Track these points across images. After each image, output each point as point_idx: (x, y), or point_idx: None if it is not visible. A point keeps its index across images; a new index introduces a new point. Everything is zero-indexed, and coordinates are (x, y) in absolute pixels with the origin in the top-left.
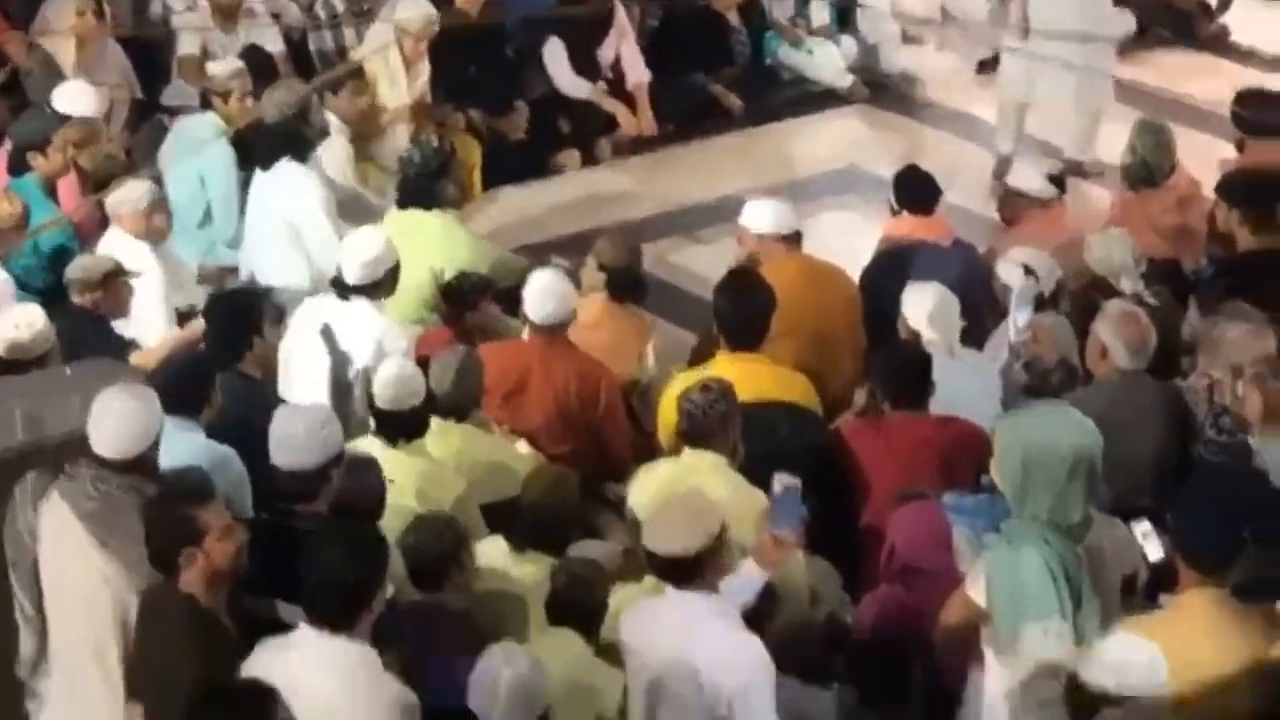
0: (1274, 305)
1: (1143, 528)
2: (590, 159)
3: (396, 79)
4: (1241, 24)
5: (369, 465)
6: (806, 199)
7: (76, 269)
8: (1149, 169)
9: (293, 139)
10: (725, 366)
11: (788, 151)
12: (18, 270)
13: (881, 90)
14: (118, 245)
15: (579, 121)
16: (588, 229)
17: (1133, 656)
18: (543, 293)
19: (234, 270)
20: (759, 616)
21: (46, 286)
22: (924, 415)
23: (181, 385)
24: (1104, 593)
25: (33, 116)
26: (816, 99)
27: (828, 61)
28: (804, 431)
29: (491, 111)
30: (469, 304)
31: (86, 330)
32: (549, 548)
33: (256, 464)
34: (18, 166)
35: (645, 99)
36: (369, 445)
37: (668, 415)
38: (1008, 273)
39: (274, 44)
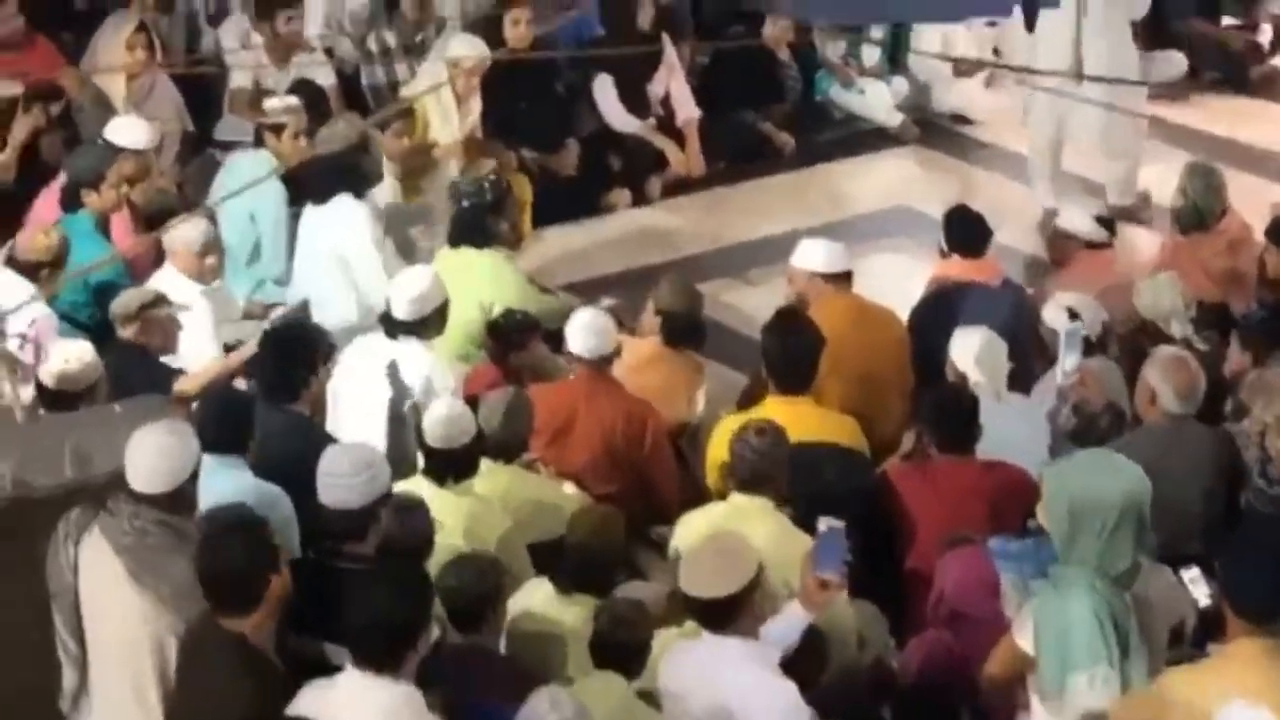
0: None
1: (1190, 574)
2: (640, 197)
3: (448, 115)
4: None
5: (418, 507)
6: (857, 239)
7: (117, 303)
8: (1200, 212)
9: (351, 174)
10: (774, 409)
11: (838, 191)
12: (64, 305)
13: (932, 130)
14: (169, 282)
15: (629, 160)
16: (637, 267)
17: None
18: (585, 328)
19: (282, 307)
20: (803, 658)
21: (94, 323)
22: (971, 459)
23: (225, 422)
24: (1151, 641)
25: (86, 152)
26: (867, 138)
27: (878, 101)
28: (851, 474)
29: (542, 149)
30: (515, 343)
31: (131, 364)
32: (594, 589)
33: (306, 503)
34: (72, 203)
35: (694, 136)
36: (417, 485)
37: (716, 457)
38: (1053, 316)
39: (326, 78)
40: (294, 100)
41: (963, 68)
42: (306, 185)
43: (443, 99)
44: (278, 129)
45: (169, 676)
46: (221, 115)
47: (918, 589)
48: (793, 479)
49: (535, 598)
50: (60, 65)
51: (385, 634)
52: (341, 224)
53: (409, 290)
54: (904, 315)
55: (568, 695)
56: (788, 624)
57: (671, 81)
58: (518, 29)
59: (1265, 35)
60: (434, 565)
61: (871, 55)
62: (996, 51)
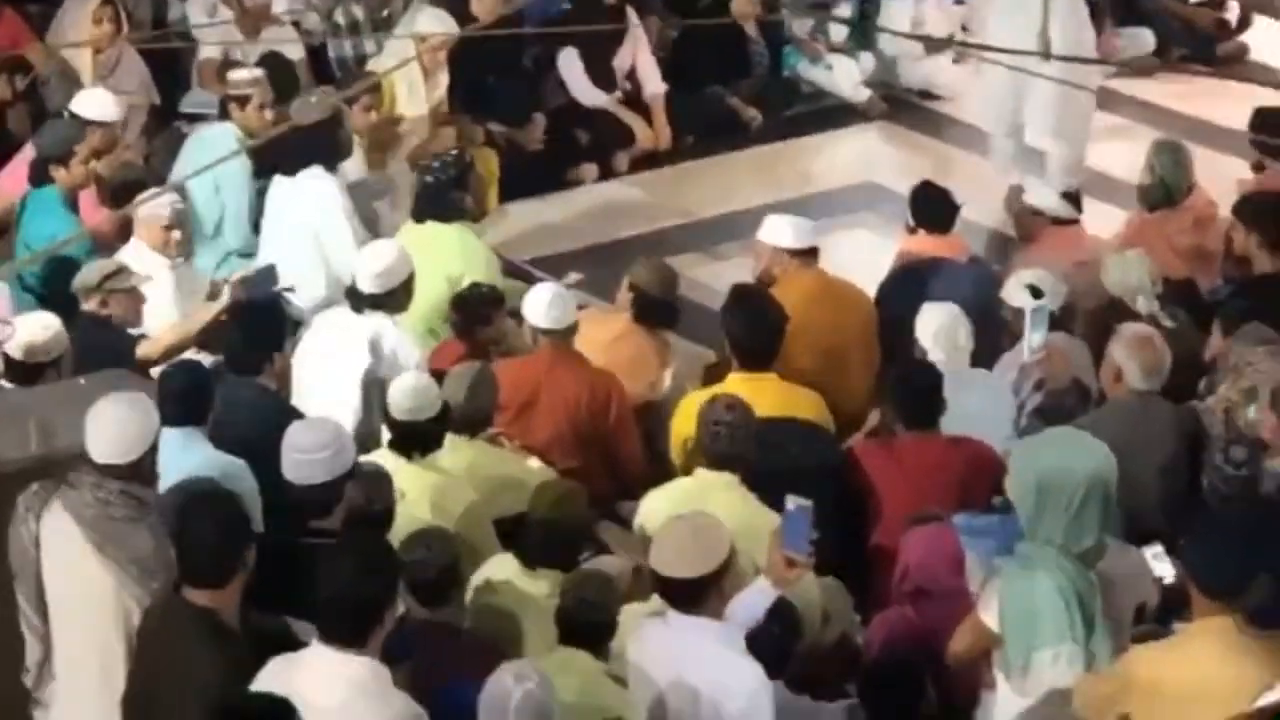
0: None
1: (1154, 550)
2: (607, 172)
3: (415, 89)
4: (1260, 44)
5: (380, 475)
6: (824, 214)
7: (80, 275)
8: (1167, 189)
9: (324, 146)
10: (737, 385)
11: (805, 166)
12: (31, 279)
13: (899, 105)
14: (134, 256)
15: (597, 134)
16: (604, 242)
17: None
18: (544, 301)
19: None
20: (773, 629)
21: (52, 293)
22: (936, 436)
23: (185, 396)
24: (1116, 619)
25: (54, 127)
26: (834, 114)
27: (846, 76)
28: (815, 449)
29: (509, 123)
30: (481, 317)
31: (95, 336)
32: (559, 563)
33: (270, 477)
34: (40, 177)
35: (661, 110)
36: (382, 458)
37: (681, 433)
38: (1013, 292)
39: (294, 51)
40: (258, 71)
41: (930, 47)
42: (279, 156)
43: (410, 73)
44: (242, 100)
45: (132, 645)
46: (188, 88)
47: (883, 565)
48: (757, 455)
49: (499, 572)
50: (26, 38)
51: (352, 609)
52: (312, 196)
53: (375, 264)
54: (870, 291)
55: (532, 668)
56: (754, 601)
57: (637, 55)
58: (484, 3)
59: (1232, 12)
60: (398, 539)
61: (839, 30)
62: (964, 28)
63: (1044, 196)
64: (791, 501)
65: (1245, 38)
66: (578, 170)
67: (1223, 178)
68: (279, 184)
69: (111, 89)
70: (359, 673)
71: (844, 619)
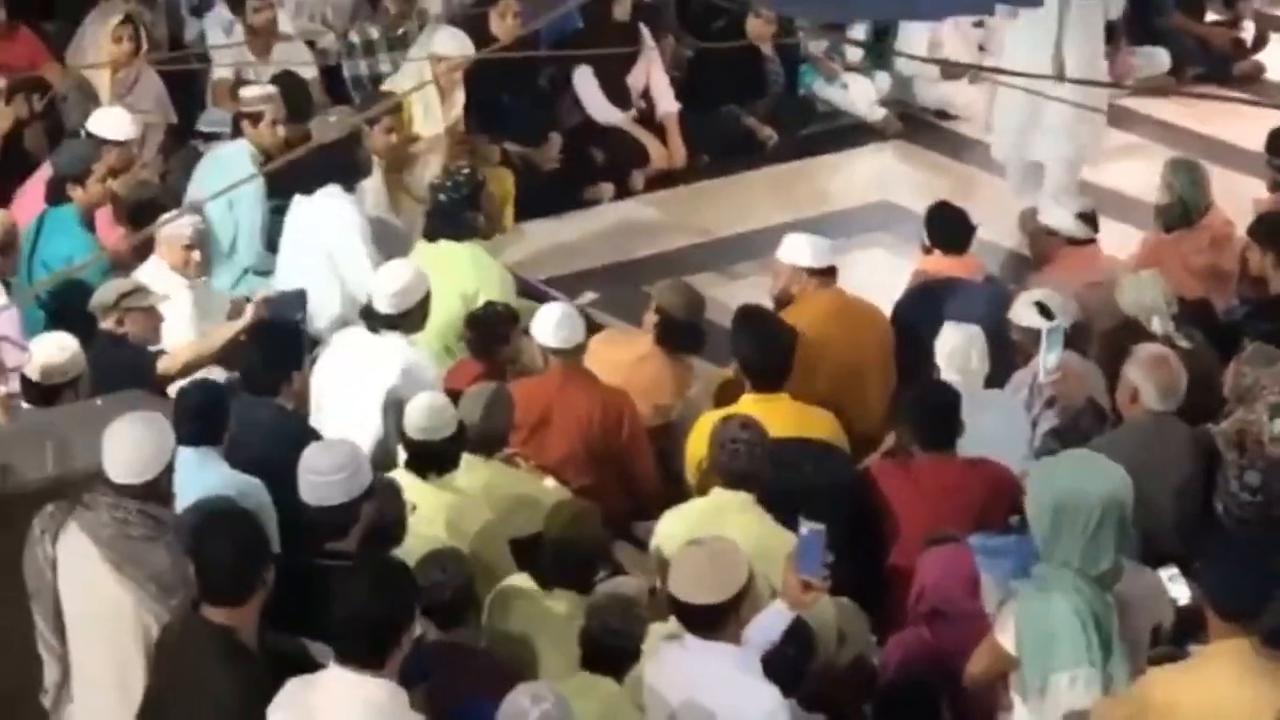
0: None
1: (1169, 572)
2: (623, 191)
3: (431, 108)
4: (1276, 63)
5: (386, 485)
6: (840, 234)
7: (97, 293)
8: (1186, 209)
9: (344, 166)
10: (751, 406)
11: (821, 186)
12: (45, 296)
13: (915, 124)
14: (154, 274)
15: (612, 153)
16: (620, 261)
17: None
18: (551, 320)
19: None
20: (789, 650)
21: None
22: (953, 456)
23: (201, 415)
24: (1133, 641)
25: (71, 146)
26: (850, 133)
27: (861, 95)
28: (830, 469)
29: (525, 142)
30: (497, 336)
31: (112, 355)
32: (574, 584)
33: (286, 497)
34: (57, 196)
35: (675, 129)
36: (399, 478)
37: (696, 454)
38: (1022, 313)
39: (308, 70)
40: (270, 89)
41: (947, 70)
42: (297, 175)
43: (426, 93)
44: (255, 118)
45: (153, 664)
46: (204, 106)
47: (899, 586)
48: (772, 474)
49: (515, 593)
50: (43, 55)
51: (370, 631)
52: (329, 216)
53: (391, 283)
54: (886, 310)
55: (549, 689)
56: (770, 624)
57: (651, 74)
58: (504, 22)
59: (1248, 31)
60: (413, 558)
61: (855, 50)
62: (981, 48)
63: (1059, 217)
64: (805, 525)
65: (1261, 56)
66: (594, 189)
67: (1238, 197)
68: (299, 203)
69: (129, 107)
70: (376, 694)
71: (859, 640)
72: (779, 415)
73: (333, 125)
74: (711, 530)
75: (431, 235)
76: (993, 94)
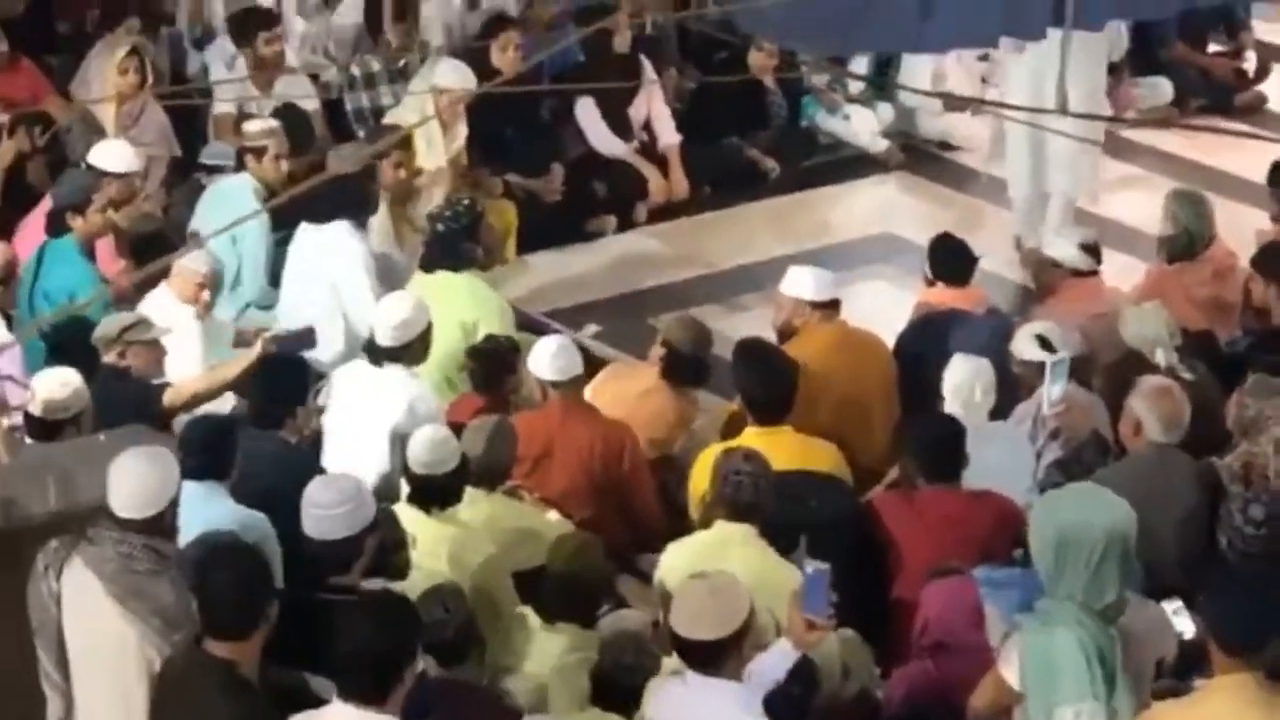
0: None
1: (1174, 605)
2: (626, 223)
3: (433, 141)
4: (1278, 93)
5: (388, 519)
6: (842, 265)
7: (100, 326)
8: (1191, 240)
9: (355, 199)
10: (754, 440)
11: (824, 217)
12: (49, 328)
13: (918, 156)
14: (159, 306)
15: (615, 185)
16: (623, 293)
17: None
18: (550, 352)
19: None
20: (792, 693)
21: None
22: (957, 489)
23: (207, 449)
24: (1137, 675)
25: (71, 177)
26: (853, 164)
27: (864, 126)
28: (833, 502)
29: (527, 174)
30: (499, 369)
31: (113, 387)
32: (578, 618)
33: (291, 531)
34: (58, 227)
35: (677, 160)
36: (402, 511)
37: (699, 489)
38: (1024, 346)
39: (310, 103)
40: (273, 123)
41: (950, 102)
42: (308, 208)
43: (429, 125)
44: (258, 152)
45: (155, 698)
46: (207, 139)
47: (903, 619)
48: (775, 508)
49: (519, 627)
50: (45, 89)
51: (373, 666)
52: (336, 250)
53: (393, 316)
54: (889, 342)
55: None
56: (775, 662)
57: (652, 106)
58: (506, 55)
59: (1250, 62)
60: (415, 592)
61: (857, 82)
62: (984, 80)
63: (1062, 249)
64: (810, 565)
65: (1263, 87)
66: (596, 221)
67: (1241, 229)
68: (304, 233)
69: (133, 140)
70: None
71: (863, 673)
72: (782, 448)
73: (345, 159)
74: (714, 563)
75: (429, 266)
76: (997, 127)
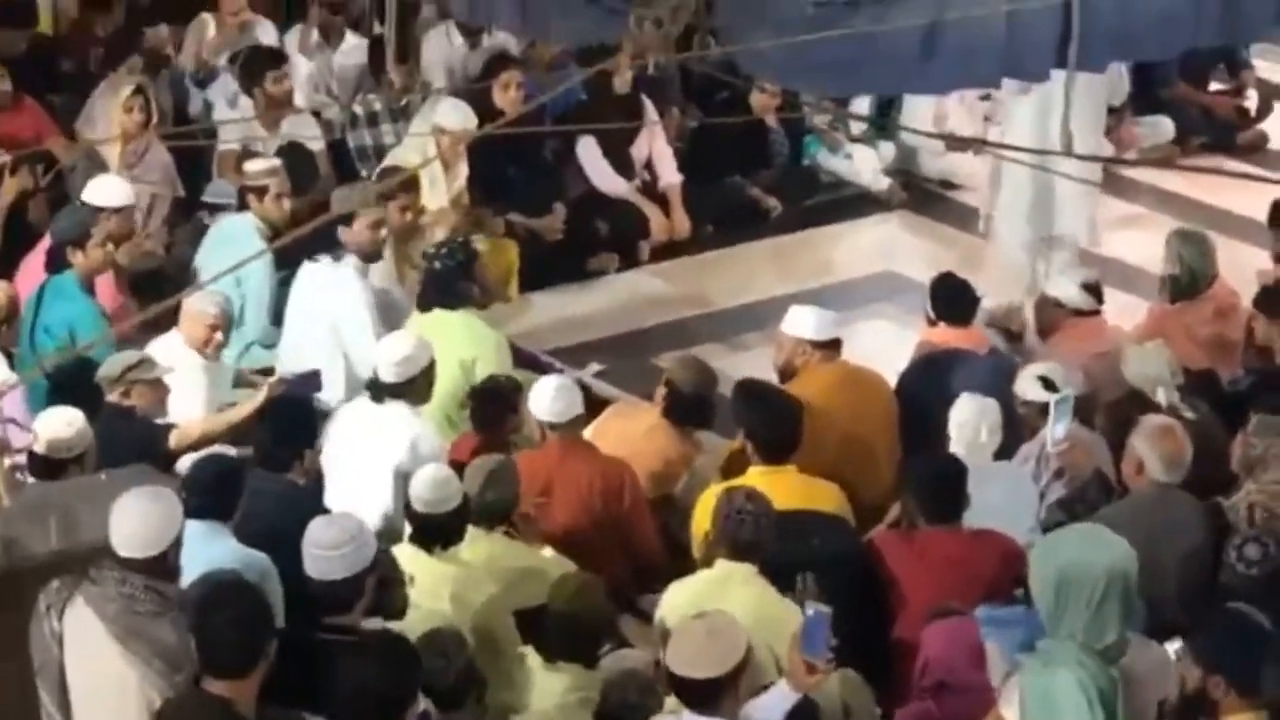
0: None
1: (1176, 645)
2: (628, 262)
3: (435, 180)
4: None
5: (384, 554)
6: (844, 304)
7: (104, 365)
8: (1194, 279)
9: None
10: (757, 479)
11: (826, 256)
12: (51, 369)
13: (919, 194)
14: (166, 348)
15: (617, 224)
16: (625, 332)
17: None
18: (550, 394)
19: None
20: None
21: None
22: (959, 528)
23: (212, 489)
24: (1139, 716)
25: (70, 213)
26: (855, 203)
27: (866, 165)
28: (835, 541)
29: (529, 213)
30: (502, 407)
31: (116, 426)
32: (580, 658)
33: (297, 573)
34: (58, 264)
35: (678, 199)
36: (402, 551)
37: (701, 526)
38: (1026, 386)
39: (314, 142)
40: (275, 162)
41: (951, 145)
42: (313, 246)
43: (431, 165)
44: (260, 191)
45: None
46: (210, 178)
47: (905, 658)
48: (778, 546)
49: (520, 667)
50: (48, 128)
51: (374, 706)
52: (338, 288)
53: (395, 353)
54: (891, 380)
55: None
56: (773, 703)
57: (654, 145)
58: (508, 94)
59: (1251, 100)
60: (416, 632)
61: (860, 121)
62: (987, 119)
63: (1064, 288)
64: (810, 607)
65: (1265, 125)
66: (598, 260)
67: (1242, 268)
68: (306, 272)
69: (137, 179)
70: None
71: (865, 714)
72: (785, 487)
73: (353, 197)
74: (715, 602)
75: (425, 305)
76: (995, 167)
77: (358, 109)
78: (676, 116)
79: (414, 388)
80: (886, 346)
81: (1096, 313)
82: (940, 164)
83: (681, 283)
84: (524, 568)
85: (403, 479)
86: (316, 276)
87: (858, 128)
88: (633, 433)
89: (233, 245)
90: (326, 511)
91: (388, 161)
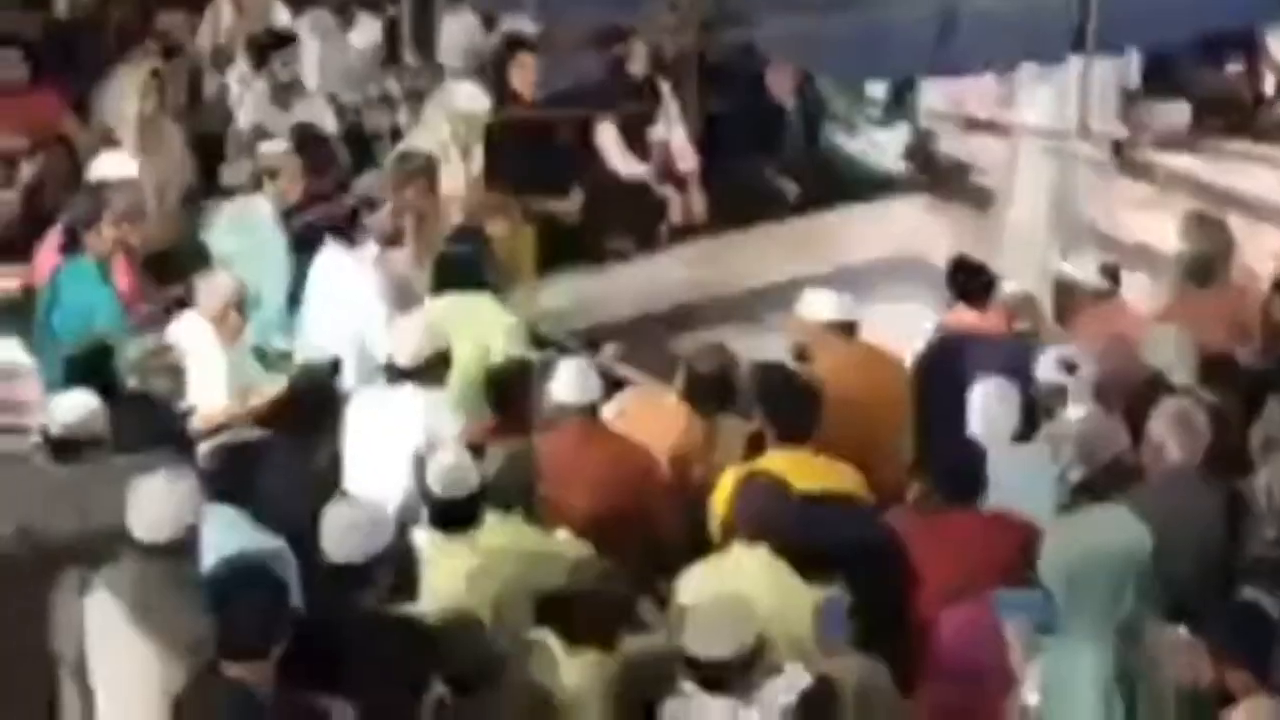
0: None
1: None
2: (645, 244)
3: (452, 164)
4: None
5: (400, 537)
6: (862, 286)
7: (123, 350)
8: (1209, 262)
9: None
10: (775, 460)
11: (843, 239)
12: (68, 349)
13: (938, 177)
14: (187, 330)
15: (634, 207)
16: (642, 315)
17: None
18: (571, 377)
19: (289, 356)
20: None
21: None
22: (978, 510)
23: (231, 473)
24: (1159, 698)
25: (81, 195)
26: (872, 186)
27: (884, 148)
28: (853, 523)
29: (546, 196)
30: (519, 390)
31: (135, 411)
32: (599, 641)
33: (315, 557)
34: (72, 246)
35: (696, 182)
36: (419, 535)
37: (718, 509)
38: (1046, 369)
39: (330, 124)
40: (286, 144)
41: (969, 127)
42: (334, 227)
43: (446, 148)
44: (273, 173)
45: None
46: (225, 160)
47: (924, 642)
48: (795, 528)
49: (539, 651)
50: (64, 111)
51: (391, 689)
52: (356, 272)
53: (411, 337)
54: (907, 363)
55: None
56: (787, 685)
57: (671, 128)
58: (524, 75)
59: (1269, 82)
60: (434, 615)
61: (876, 103)
62: (1003, 102)
63: (1082, 270)
64: (825, 591)
65: None
66: (615, 243)
67: (1259, 249)
68: (325, 255)
69: (153, 161)
70: None
71: (882, 695)
72: (803, 468)
73: (374, 184)
74: (731, 584)
75: (439, 287)
76: (1015, 150)
77: (373, 91)
78: (694, 99)
79: (431, 371)
80: (903, 328)
81: (1114, 295)
82: (959, 146)
83: (699, 266)
84: (541, 552)
85: (420, 463)
86: (335, 261)
87: (875, 110)
88: (651, 416)
89: (248, 227)
90: (345, 495)
91: (403, 145)
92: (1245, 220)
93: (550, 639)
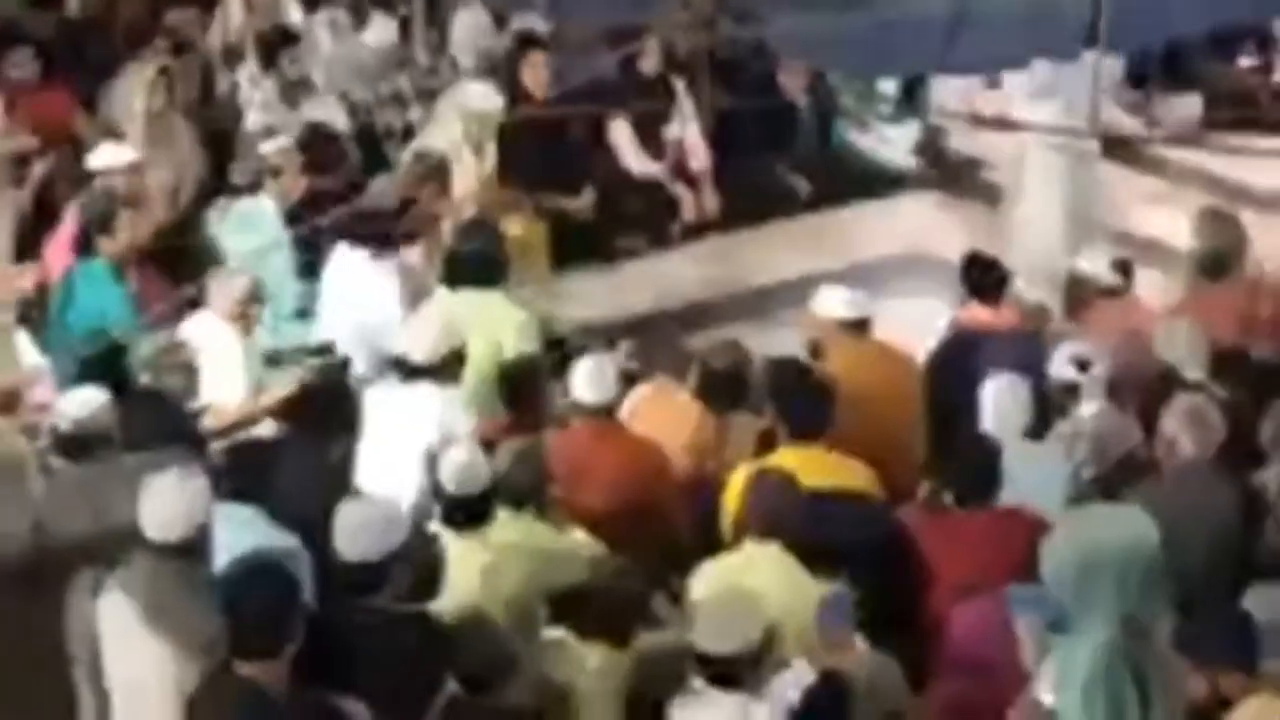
0: None
1: None
2: (658, 241)
3: (464, 162)
4: None
5: (425, 540)
6: (873, 283)
7: (136, 349)
8: (1221, 256)
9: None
10: (787, 457)
11: (855, 236)
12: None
13: (949, 173)
14: (201, 327)
15: (646, 204)
16: (654, 312)
17: None
18: (584, 373)
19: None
20: (820, 707)
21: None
22: (990, 507)
23: (245, 472)
24: (1173, 695)
25: (95, 198)
26: (884, 183)
27: (895, 144)
28: (865, 520)
29: (559, 193)
30: (531, 387)
31: (148, 409)
32: (614, 637)
33: (329, 556)
34: (86, 248)
35: (708, 180)
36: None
37: (732, 507)
38: (1059, 365)
39: (339, 121)
40: (289, 141)
41: (981, 121)
42: (358, 230)
43: (459, 147)
44: (275, 171)
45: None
46: (235, 158)
47: (935, 637)
48: (807, 526)
49: (553, 647)
50: (74, 109)
51: (405, 688)
52: (370, 272)
53: (424, 334)
54: (920, 360)
55: None
56: (794, 681)
57: (685, 128)
58: (535, 73)
59: None
60: (448, 613)
61: (888, 100)
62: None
63: (1095, 266)
64: (830, 586)
65: None
66: (628, 240)
67: (1272, 244)
68: (339, 255)
69: (163, 159)
70: None
71: (893, 691)
72: (815, 465)
73: (388, 189)
74: (742, 581)
75: (451, 283)
76: (1026, 146)
77: (384, 89)
78: (706, 97)
79: (444, 368)
80: (916, 325)
81: (1127, 291)
82: (970, 143)
83: (711, 262)
84: (554, 549)
85: (432, 460)
86: (353, 264)
87: (887, 107)
88: (664, 414)
89: (254, 225)
90: (358, 492)
91: (416, 144)
92: (1258, 215)
93: (563, 635)
